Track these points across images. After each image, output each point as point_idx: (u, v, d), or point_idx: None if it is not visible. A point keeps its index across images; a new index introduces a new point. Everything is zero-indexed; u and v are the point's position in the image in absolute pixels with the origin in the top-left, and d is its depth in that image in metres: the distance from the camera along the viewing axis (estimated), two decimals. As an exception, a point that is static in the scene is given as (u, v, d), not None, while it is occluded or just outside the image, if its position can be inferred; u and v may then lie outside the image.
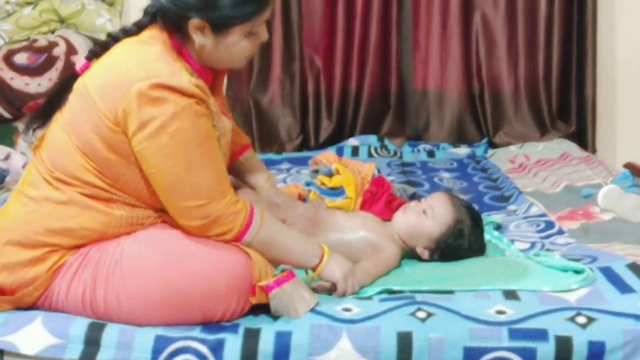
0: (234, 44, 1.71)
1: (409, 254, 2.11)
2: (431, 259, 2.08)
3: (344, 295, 1.80)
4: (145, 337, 1.63)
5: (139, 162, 1.66)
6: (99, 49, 1.74)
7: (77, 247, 1.69)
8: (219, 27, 1.68)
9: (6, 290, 1.70)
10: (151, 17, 1.72)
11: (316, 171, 2.89)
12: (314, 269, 1.80)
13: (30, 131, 1.76)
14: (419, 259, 2.09)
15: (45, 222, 1.68)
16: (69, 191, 1.68)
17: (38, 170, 1.73)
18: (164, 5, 1.69)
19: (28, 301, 1.71)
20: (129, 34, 1.73)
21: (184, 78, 1.64)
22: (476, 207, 2.27)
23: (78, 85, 1.71)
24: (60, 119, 1.72)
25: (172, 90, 1.61)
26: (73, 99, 1.71)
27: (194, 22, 1.67)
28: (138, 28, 1.73)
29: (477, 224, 2.11)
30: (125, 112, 1.62)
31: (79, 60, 1.77)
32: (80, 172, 1.68)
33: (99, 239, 1.70)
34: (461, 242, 2.07)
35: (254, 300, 1.67)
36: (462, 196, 2.49)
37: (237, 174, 2.14)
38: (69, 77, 1.76)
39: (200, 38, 1.69)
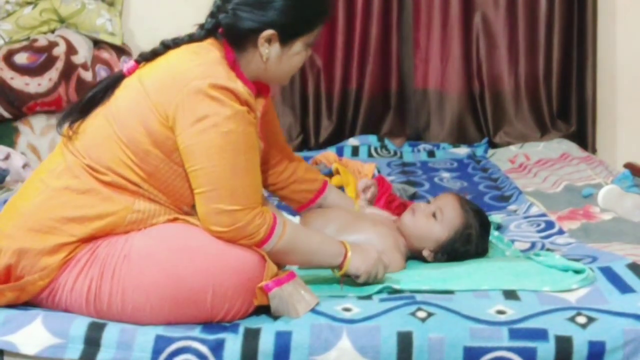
0: (297, 54, 1.79)
1: (411, 255, 2.10)
2: (435, 261, 2.07)
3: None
4: (146, 337, 1.63)
5: (179, 160, 1.69)
6: (149, 54, 1.78)
7: (89, 239, 1.69)
8: (287, 37, 1.75)
9: (12, 275, 1.70)
10: (207, 32, 1.77)
11: (316, 171, 2.89)
12: (340, 267, 1.81)
13: (66, 123, 1.77)
14: (421, 259, 2.09)
15: (61, 210, 1.69)
16: (93, 182, 1.69)
17: (65, 158, 1.73)
18: (230, 20, 1.74)
19: (31, 291, 1.70)
20: (179, 44, 1.77)
21: (239, 84, 1.69)
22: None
23: (130, 80, 1.74)
24: (104, 111, 1.74)
25: (229, 92, 1.65)
26: (122, 92, 1.74)
27: (265, 33, 1.72)
28: (190, 41, 1.77)
29: (485, 230, 2.10)
30: (178, 107, 1.65)
31: (125, 66, 1.79)
32: (115, 163, 1.69)
33: (111, 231, 1.70)
34: (469, 248, 2.06)
35: (256, 302, 1.67)
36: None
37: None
38: (115, 77, 1.79)
39: (266, 50, 1.75)
